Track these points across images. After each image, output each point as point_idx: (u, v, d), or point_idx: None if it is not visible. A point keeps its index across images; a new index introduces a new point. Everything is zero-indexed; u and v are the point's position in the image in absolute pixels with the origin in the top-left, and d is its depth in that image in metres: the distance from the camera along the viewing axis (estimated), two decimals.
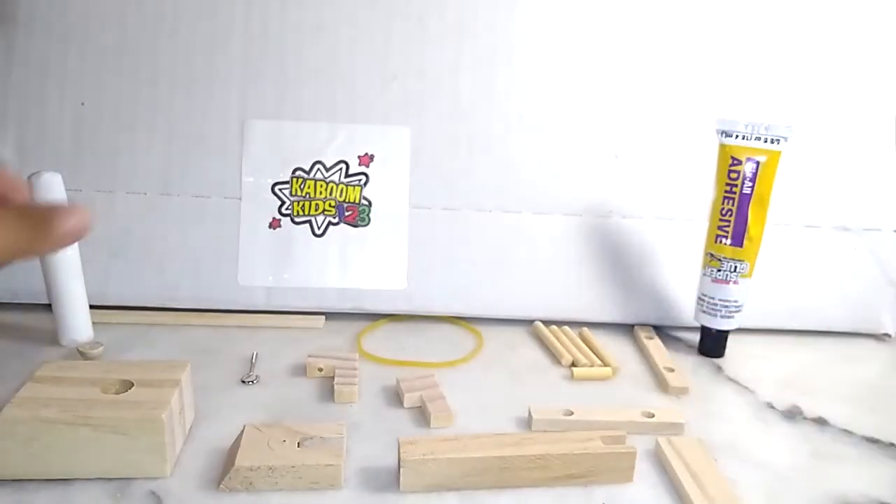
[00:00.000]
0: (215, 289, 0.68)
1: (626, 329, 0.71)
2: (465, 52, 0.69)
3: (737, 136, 0.62)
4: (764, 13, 0.69)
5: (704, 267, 0.65)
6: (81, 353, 0.59)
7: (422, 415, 0.53)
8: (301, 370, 0.59)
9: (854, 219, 0.71)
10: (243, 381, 0.57)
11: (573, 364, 0.62)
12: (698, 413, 0.56)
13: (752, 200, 0.62)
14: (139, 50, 0.67)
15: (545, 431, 0.50)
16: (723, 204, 0.63)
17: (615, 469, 0.45)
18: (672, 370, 0.61)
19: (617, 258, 0.70)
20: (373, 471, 0.46)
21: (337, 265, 0.69)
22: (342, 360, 0.59)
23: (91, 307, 0.61)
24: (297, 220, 0.69)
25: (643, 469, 0.47)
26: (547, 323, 0.69)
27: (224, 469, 0.44)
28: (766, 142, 0.61)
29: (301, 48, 0.68)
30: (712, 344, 0.66)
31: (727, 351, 0.66)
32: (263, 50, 0.68)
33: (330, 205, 0.69)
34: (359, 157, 0.69)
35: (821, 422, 0.55)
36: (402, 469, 0.43)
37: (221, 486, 0.43)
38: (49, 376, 0.46)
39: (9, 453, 0.42)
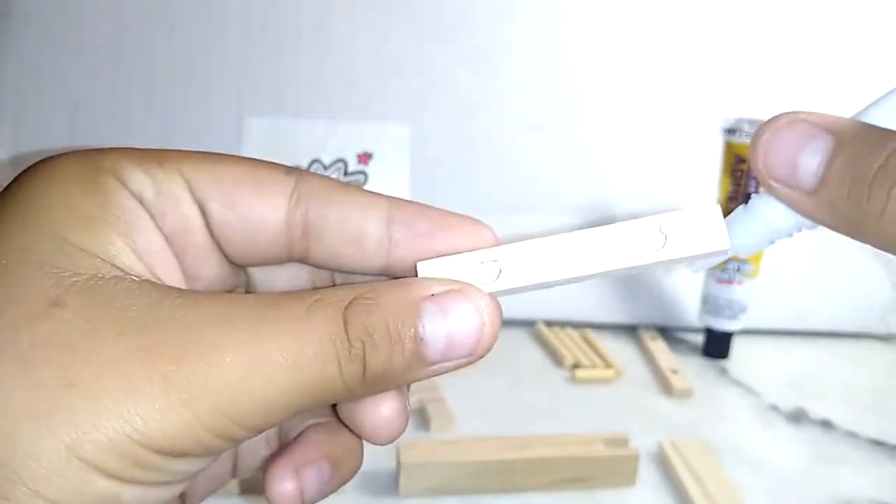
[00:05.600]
0: None
1: (630, 331, 0.70)
2: (465, 48, 0.68)
3: (741, 135, 0.61)
4: (768, 11, 0.69)
5: (709, 267, 0.64)
6: None
7: (422, 417, 0.52)
8: None
9: None
10: None
11: (576, 366, 0.61)
12: (703, 415, 0.55)
13: None
14: (135, 48, 0.67)
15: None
16: (728, 204, 0.62)
17: (618, 472, 0.45)
18: (676, 372, 0.60)
19: None
20: (372, 474, 0.45)
21: None
22: None
23: None
24: None
25: (646, 472, 0.46)
26: (549, 324, 0.69)
27: None
28: None
29: (298, 44, 0.67)
30: (717, 345, 0.65)
31: (732, 352, 0.65)
32: (260, 47, 0.67)
33: None
34: (357, 155, 0.68)
35: (826, 424, 0.55)
36: (401, 473, 0.42)
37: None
38: None
39: None
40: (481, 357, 0.21)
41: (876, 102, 0.22)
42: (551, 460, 0.43)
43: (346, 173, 0.68)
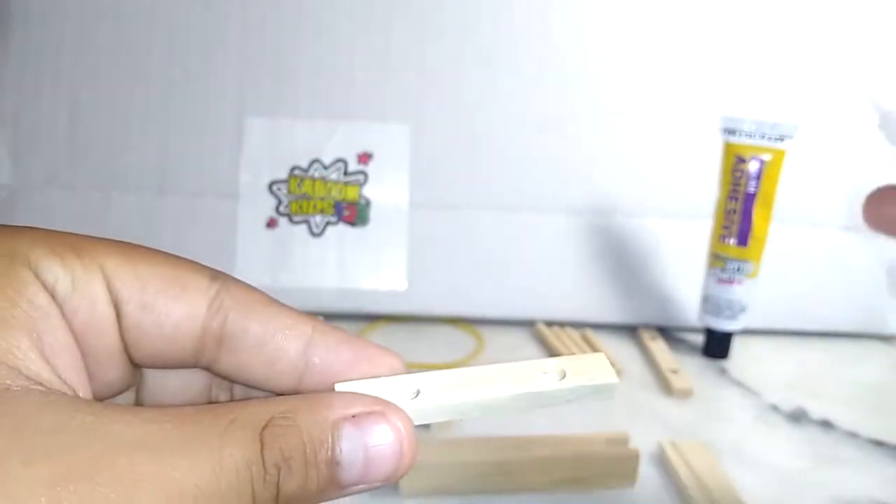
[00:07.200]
0: None
1: (630, 331, 0.70)
2: (465, 47, 0.68)
3: (741, 135, 0.61)
4: (768, 10, 0.69)
5: (709, 267, 0.64)
6: None
7: None
8: None
9: (860, 218, 0.70)
10: None
11: None
12: (702, 415, 0.55)
13: (756, 200, 0.61)
14: (135, 47, 0.67)
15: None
16: (727, 203, 0.62)
17: (618, 472, 0.44)
18: (676, 372, 0.60)
19: (620, 258, 0.70)
20: None
21: (335, 265, 0.68)
22: None
23: None
24: (294, 219, 0.68)
25: (646, 472, 0.46)
26: (549, 324, 0.69)
27: None
28: (771, 140, 0.60)
29: (299, 44, 0.67)
30: (717, 345, 0.65)
31: (732, 352, 0.65)
32: (261, 46, 0.67)
33: (328, 204, 0.68)
34: (358, 155, 0.68)
35: (826, 424, 0.55)
36: None
37: None
38: None
39: None
40: (398, 479, 0.21)
41: None
42: (551, 460, 0.43)
43: (346, 173, 0.68)
